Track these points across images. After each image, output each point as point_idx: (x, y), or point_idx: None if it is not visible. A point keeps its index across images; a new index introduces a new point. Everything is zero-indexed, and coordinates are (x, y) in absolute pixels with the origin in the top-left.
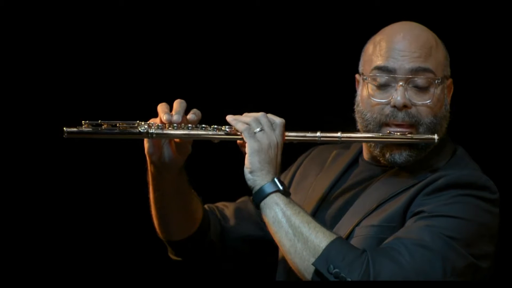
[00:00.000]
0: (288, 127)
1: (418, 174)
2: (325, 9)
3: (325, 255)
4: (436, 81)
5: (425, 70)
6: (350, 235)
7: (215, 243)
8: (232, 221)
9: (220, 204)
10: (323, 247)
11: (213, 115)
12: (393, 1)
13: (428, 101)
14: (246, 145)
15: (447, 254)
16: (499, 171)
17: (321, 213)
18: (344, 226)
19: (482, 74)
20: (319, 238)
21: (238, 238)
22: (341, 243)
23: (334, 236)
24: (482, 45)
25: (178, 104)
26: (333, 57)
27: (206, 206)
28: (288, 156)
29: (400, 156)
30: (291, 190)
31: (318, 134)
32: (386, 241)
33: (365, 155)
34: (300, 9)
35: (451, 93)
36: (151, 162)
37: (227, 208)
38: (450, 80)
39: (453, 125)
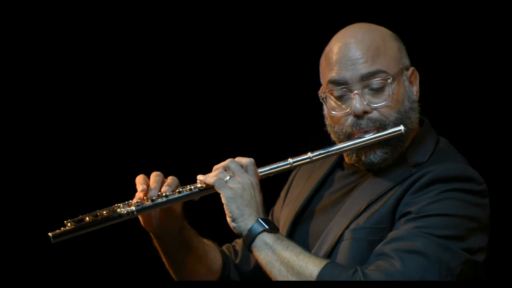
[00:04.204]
0: (261, 162)
1: (402, 170)
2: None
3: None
4: (389, 80)
5: (375, 73)
6: (340, 238)
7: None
8: (241, 256)
9: (235, 242)
10: (315, 277)
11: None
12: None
13: (385, 102)
14: (221, 196)
15: (440, 256)
16: (486, 161)
17: (306, 218)
18: (333, 230)
19: (471, 68)
20: (310, 269)
21: (250, 271)
22: (331, 268)
23: (324, 263)
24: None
25: (154, 178)
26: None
27: (224, 247)
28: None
29: (375, 156)
30: (285, 204)
31: (290, 160)
32: (378, 248)
33: (347, 159)
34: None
35: (417, 80)
36: (150, 231)
37: (237, 244)
38: (411, 69)
39: (440, 118)
